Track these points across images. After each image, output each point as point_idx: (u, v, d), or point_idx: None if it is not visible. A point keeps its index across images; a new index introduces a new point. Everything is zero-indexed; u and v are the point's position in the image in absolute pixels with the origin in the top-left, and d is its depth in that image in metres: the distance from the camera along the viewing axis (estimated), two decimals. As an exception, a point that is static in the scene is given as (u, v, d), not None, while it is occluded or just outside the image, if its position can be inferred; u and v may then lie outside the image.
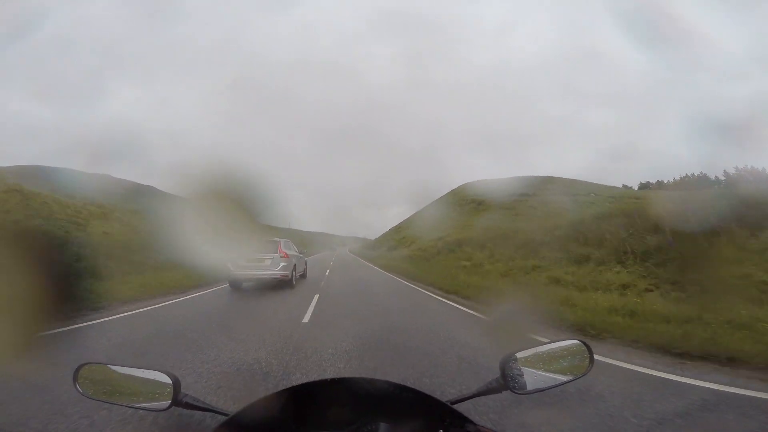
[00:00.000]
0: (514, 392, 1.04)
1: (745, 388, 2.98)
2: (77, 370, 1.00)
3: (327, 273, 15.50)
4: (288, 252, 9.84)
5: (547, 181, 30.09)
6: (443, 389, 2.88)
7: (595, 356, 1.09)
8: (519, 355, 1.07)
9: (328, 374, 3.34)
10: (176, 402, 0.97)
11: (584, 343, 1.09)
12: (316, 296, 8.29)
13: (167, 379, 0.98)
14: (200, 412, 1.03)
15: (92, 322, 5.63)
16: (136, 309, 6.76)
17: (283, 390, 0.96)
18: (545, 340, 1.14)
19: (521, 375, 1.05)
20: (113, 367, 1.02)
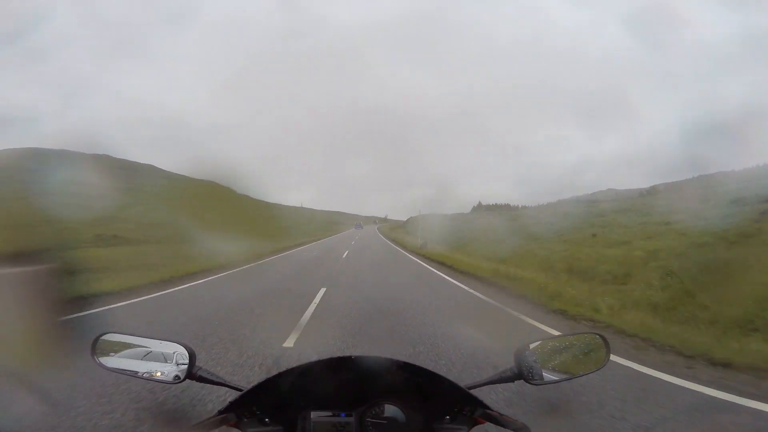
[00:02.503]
0: (528, 382, 1.03)
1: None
2: (95, 340, 1.00)
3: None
4: None
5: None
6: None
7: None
8: (534, 345, 1.07)
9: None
10: (191, 375, 0.97)
11: (601, 337, 1.09)
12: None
13: (183, 351, 0.98)
14: (214, 386, 1.02)
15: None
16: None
17: (295, 367, 0.97)
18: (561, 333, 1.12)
19: (536, 365, 1.05)
20: (130, 338, 1.02)
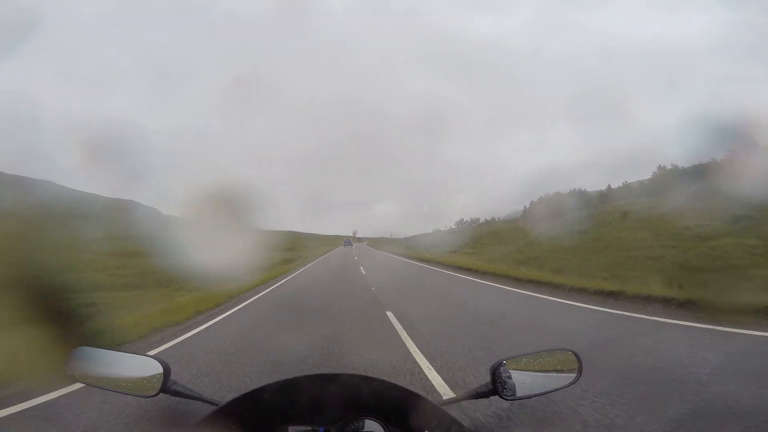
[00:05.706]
0: (502, 397, 1.06)
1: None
2: (71, 353, 0.99)
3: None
4: None
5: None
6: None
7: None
8: (508, 361, 1.10)
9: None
10: (165, 389, 0.97)
11: (574, 353, 1.13)
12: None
13: (158, 366, 0.98)
14: (189, 401, 1.02)
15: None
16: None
17: (272, 383, 0.97)
18: (536, 349, 1.17)
19: (510, 381, 1.07)
20: (106, 351, 1.02)
